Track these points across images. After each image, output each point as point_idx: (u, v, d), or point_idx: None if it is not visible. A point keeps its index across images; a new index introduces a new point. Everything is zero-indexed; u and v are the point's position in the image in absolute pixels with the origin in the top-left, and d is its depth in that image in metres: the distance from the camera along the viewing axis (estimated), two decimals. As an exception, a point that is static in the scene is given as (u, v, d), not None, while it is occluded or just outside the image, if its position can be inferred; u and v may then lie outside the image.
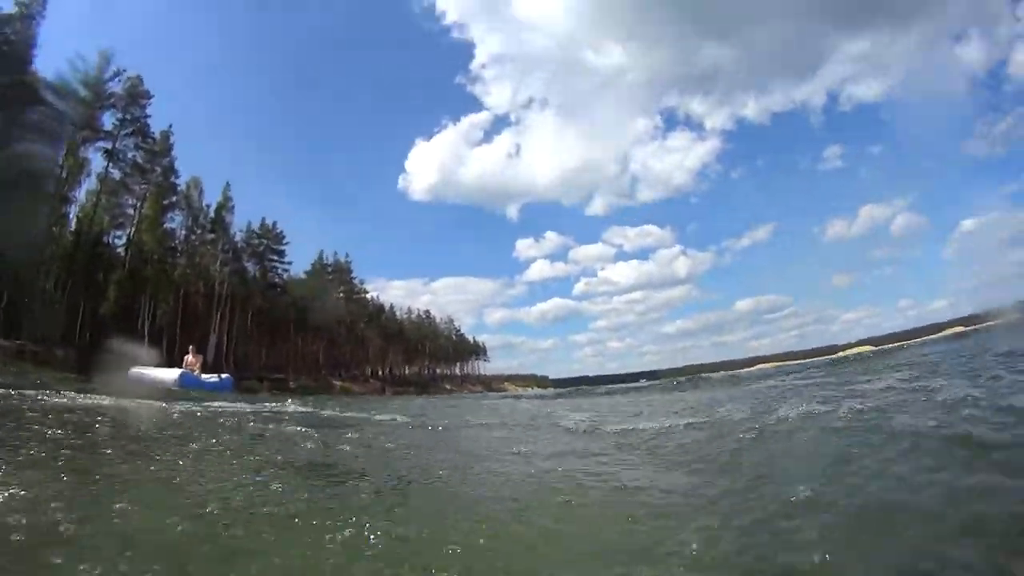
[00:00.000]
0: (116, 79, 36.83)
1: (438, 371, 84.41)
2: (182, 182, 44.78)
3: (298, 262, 62.97)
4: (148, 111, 39.71)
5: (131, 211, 41.00)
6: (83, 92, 33.74)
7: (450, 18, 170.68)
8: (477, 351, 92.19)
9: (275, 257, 57.12)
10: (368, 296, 76.07)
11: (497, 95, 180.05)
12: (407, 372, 79.39)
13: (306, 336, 62.08)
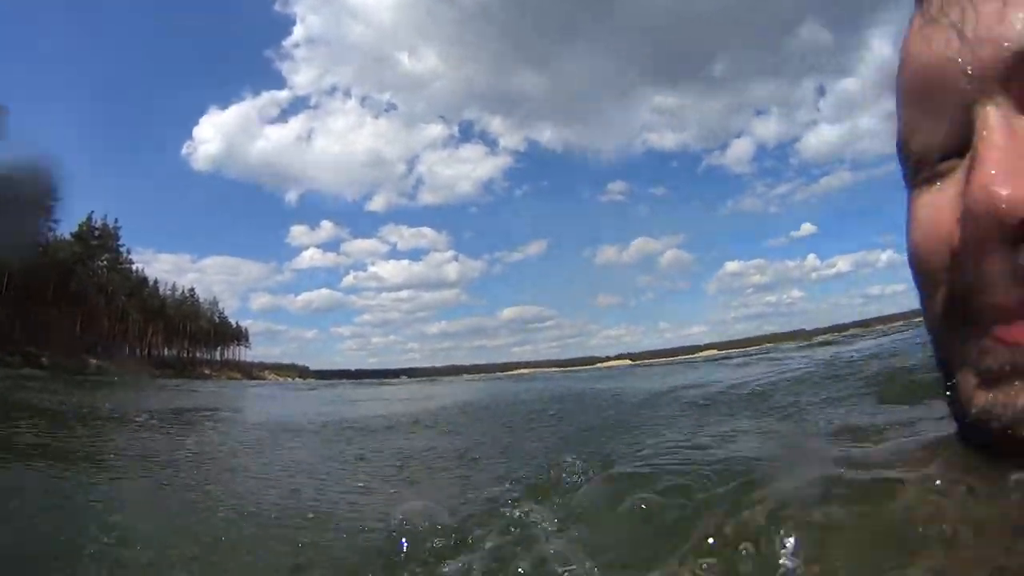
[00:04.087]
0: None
1: (198, 354, 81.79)
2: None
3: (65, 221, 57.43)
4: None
5: None
6: None
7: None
8: (239, 336, 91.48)
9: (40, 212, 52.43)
10: (133, 267, 71.26)
11: (304, 76, 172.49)
12: (166, 353, 75.61)
13: (65, 306, 57.09)
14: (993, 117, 0.41)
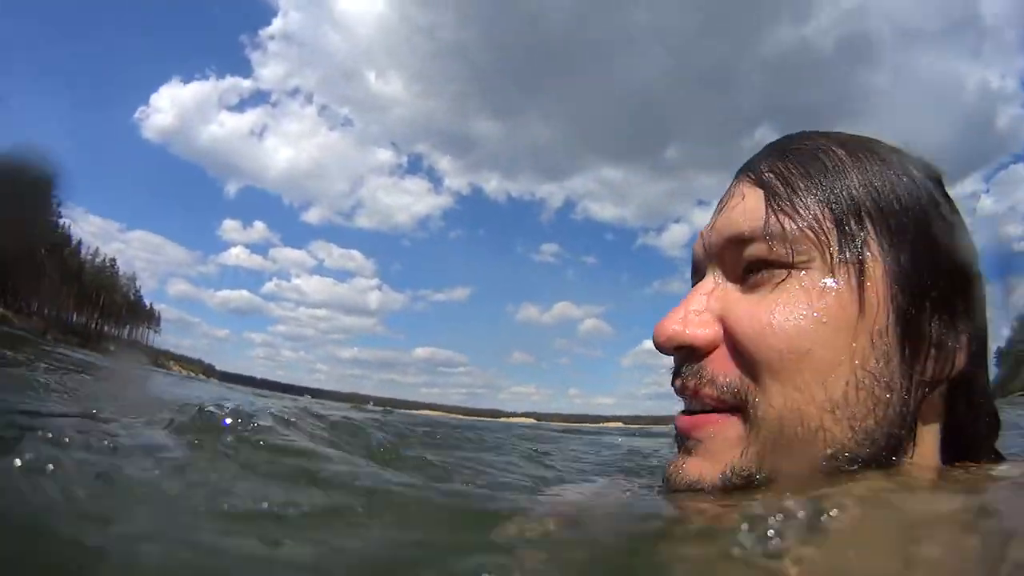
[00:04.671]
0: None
1: (106, 328, 76.21)
2: None
3: None
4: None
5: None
6: None
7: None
8: (151, 319, 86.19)
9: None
10: (61, 221, 67.20)
11: (271, 70, 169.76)
12: (75, 319, 70.11)
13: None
14: (708, 280, 0.63)
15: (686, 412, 0.62)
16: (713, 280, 0.62)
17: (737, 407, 0.57)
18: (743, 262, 0.60)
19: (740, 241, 0.60)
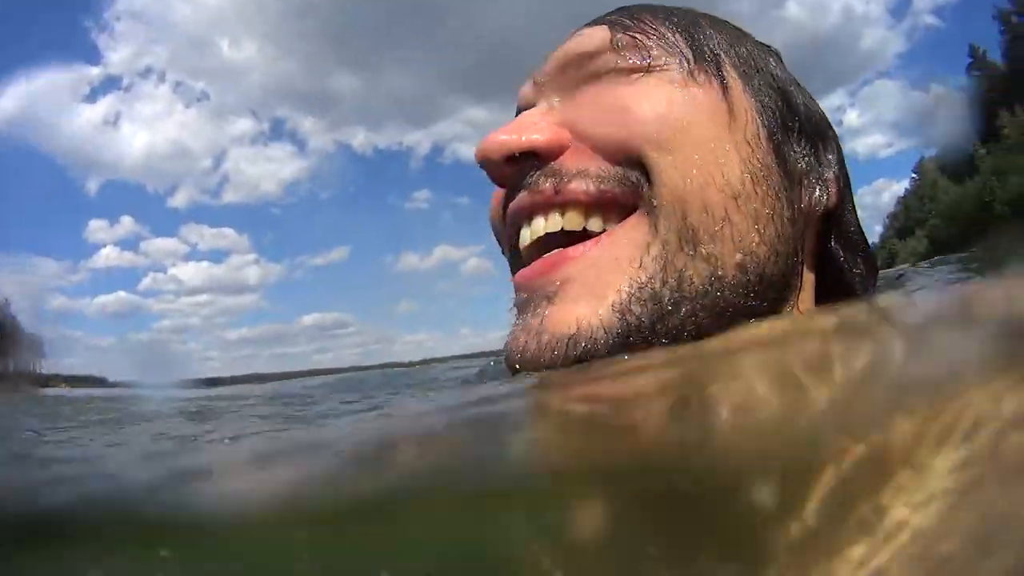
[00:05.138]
0: None
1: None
2: None
3: None
4: None
5: None
6: None
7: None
8: (33, 345, 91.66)
9: None
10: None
11: (120, 53, 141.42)
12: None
13: None
14: (541, 105, 0.54)
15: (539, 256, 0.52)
16: (548, 104, 0.54)
17: (630, 200, 0.47)
18: (588, 79, 0.52)
19: (584, 57, 0.52)
